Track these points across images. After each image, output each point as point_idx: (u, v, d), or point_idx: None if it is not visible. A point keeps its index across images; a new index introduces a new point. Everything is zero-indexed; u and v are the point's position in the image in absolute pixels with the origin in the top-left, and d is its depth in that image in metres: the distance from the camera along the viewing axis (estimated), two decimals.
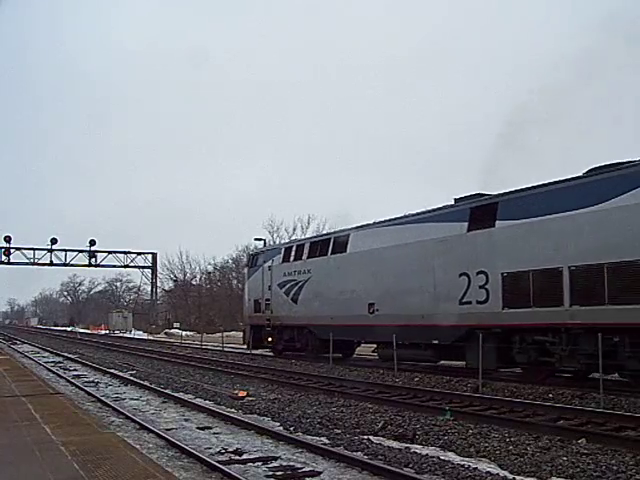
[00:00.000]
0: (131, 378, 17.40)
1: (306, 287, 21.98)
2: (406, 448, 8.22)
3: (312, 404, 12.12)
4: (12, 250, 59.85)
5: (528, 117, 17.82)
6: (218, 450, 8.29)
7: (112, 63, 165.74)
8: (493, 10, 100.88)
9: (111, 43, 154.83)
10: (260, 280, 24.93)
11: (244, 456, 7.96)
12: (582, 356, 12.56)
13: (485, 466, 7.25)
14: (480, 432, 9.07)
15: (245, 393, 13.61)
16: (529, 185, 14.38)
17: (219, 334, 38.06)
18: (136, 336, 53.46)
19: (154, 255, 69.55)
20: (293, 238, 48.73)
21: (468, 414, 10.43)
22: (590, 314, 12.25)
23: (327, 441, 8.73)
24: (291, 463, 7.53)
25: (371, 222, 19.66)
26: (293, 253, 23.18)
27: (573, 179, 13.37)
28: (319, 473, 7.05)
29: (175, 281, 71.82)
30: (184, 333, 50.88)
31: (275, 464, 7.51)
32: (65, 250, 62.67)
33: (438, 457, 7.65)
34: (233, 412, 11.41)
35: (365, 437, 8.97)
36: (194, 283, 71.05)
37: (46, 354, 30.08)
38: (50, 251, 61.54)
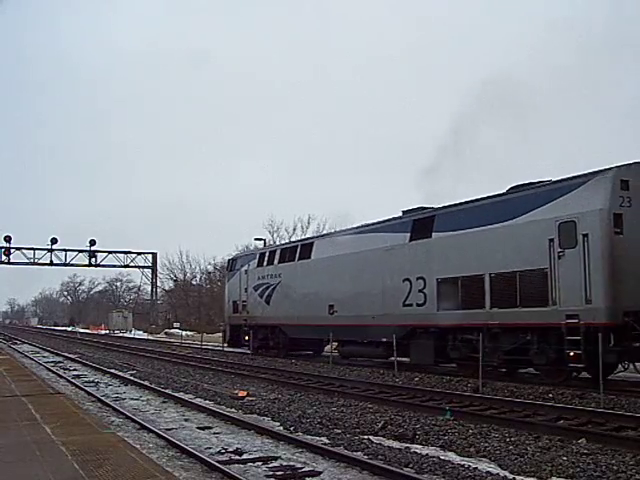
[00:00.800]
0: (131, 378, 17.42)
1: (277, 290, 23.79)
2: (406, 448, 8.22)
3: (312, 404, 12.12)
4: (12, 250, 59.70)
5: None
6: (218, 450, 8.30)
7: (112, 63, 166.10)
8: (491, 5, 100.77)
9: (111, 43, 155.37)
10: (238, 283, 26.65)
11: (244, 456, 7.97)
12: (501, 352, 14.26)
13: (485, 466, 7.25)
14: (480, 432, 9.07)
15: (245, 393, 13.62)
16: (462, 200, 16.10)
17: (219, 334, 37.99)
18: (136, 336, 53.48)
19: (154, 255, 69.51)
20: (293, 238, 48.97)
21: (468, 414, 10.44)
22: (505, 315, 14.08)
23: (327, 441, 8.74)
24: (291, 463, 7.54)
25: (332, 231, 21.97)
26: (266, 258, 24.98)
27: (495, 196, 15.21)
28: (319, 473, 7.05)
29: (175, 281, 71.78)
30: (184, 333, 50.77)
31: (275, 464, 7.52)
32: (65, 250, 62.57)
33: (438, 457, 7.65)
34: (233, 412, 11.42)
35: (365, 437, 8.97)
36: (194, 283, 70.95)
37: (46, 354, 30.11)
38: (50, 251, 61.44)
